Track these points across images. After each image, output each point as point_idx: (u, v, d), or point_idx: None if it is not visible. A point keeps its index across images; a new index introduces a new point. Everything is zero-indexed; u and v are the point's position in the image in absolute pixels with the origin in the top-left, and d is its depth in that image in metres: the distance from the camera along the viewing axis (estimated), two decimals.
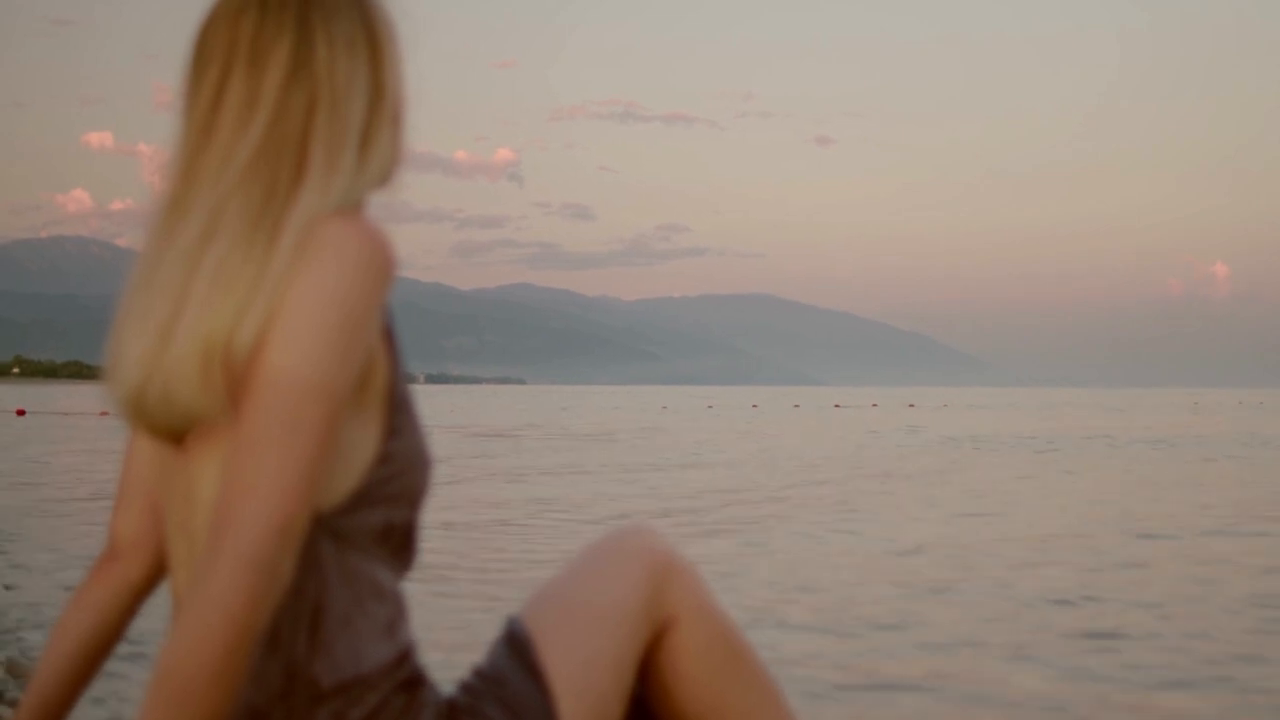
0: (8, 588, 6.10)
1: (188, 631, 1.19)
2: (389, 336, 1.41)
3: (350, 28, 1.41)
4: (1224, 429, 29.30)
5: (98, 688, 3.79)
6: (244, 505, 1.22)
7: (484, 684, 1.52)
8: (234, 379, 1.29)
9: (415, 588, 1.50)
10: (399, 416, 1.41)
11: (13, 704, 3.60)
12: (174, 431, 1.37)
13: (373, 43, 1.43)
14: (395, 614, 1.43)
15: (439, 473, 1.64)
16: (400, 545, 1.45)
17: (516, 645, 1.55)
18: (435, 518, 8.84)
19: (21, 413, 38.89)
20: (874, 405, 59.92)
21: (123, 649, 4.05)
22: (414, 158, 1.50)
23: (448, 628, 4.95)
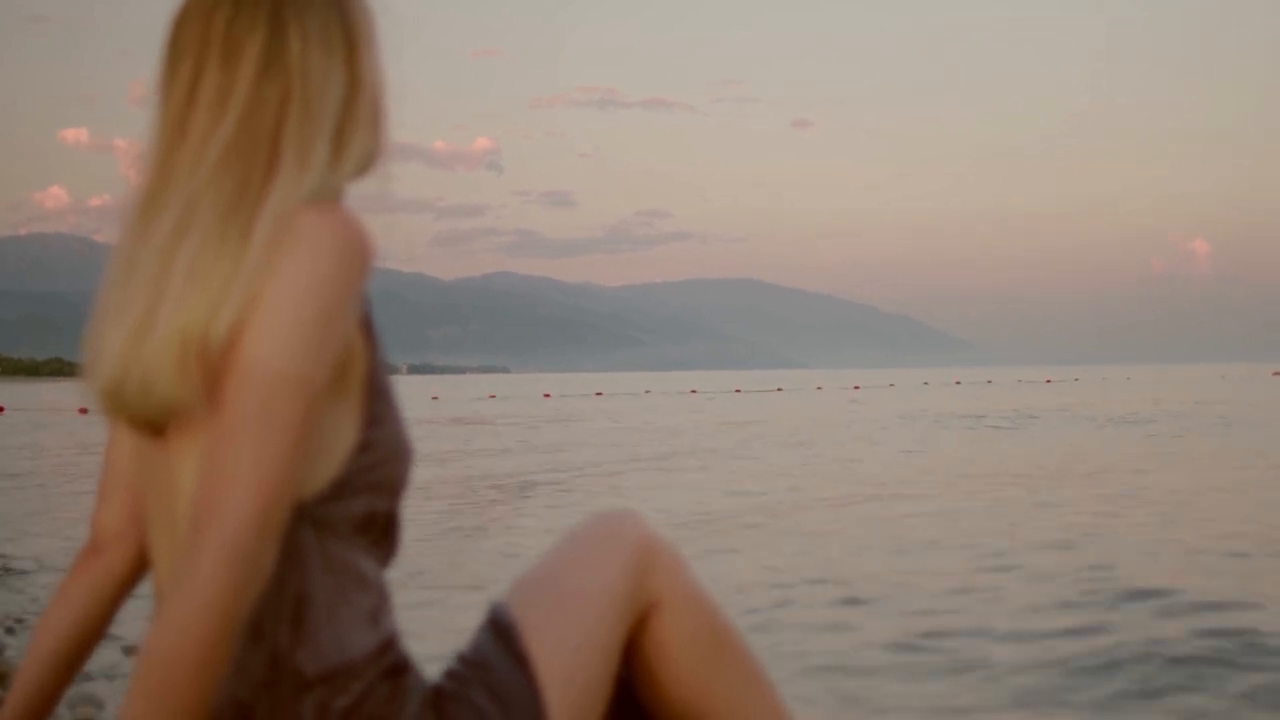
0: None
1: (170, 623, 1.20)
2: (368, 325, 1.41)
3: (325, 21, 1.41)
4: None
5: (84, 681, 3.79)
6: (223, 496, 1.22)
7: (469, 670, 1.52)
8: (211, 371, 1.30)
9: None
10: (379, 405, 1.41)
11: None
12: (153, 424, 1.38)
13: (348, 36, 1.43)
14: (378, 603, 1.43)
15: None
16: (382, 534, 1.45)
17: (501, 631, 1.55)
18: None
19: (0, 410, 38.79)
20: (856, 388, 60.03)
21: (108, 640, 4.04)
22: (392, 148, 1.50)
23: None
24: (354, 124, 1.42)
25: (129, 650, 4.45)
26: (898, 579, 5.77)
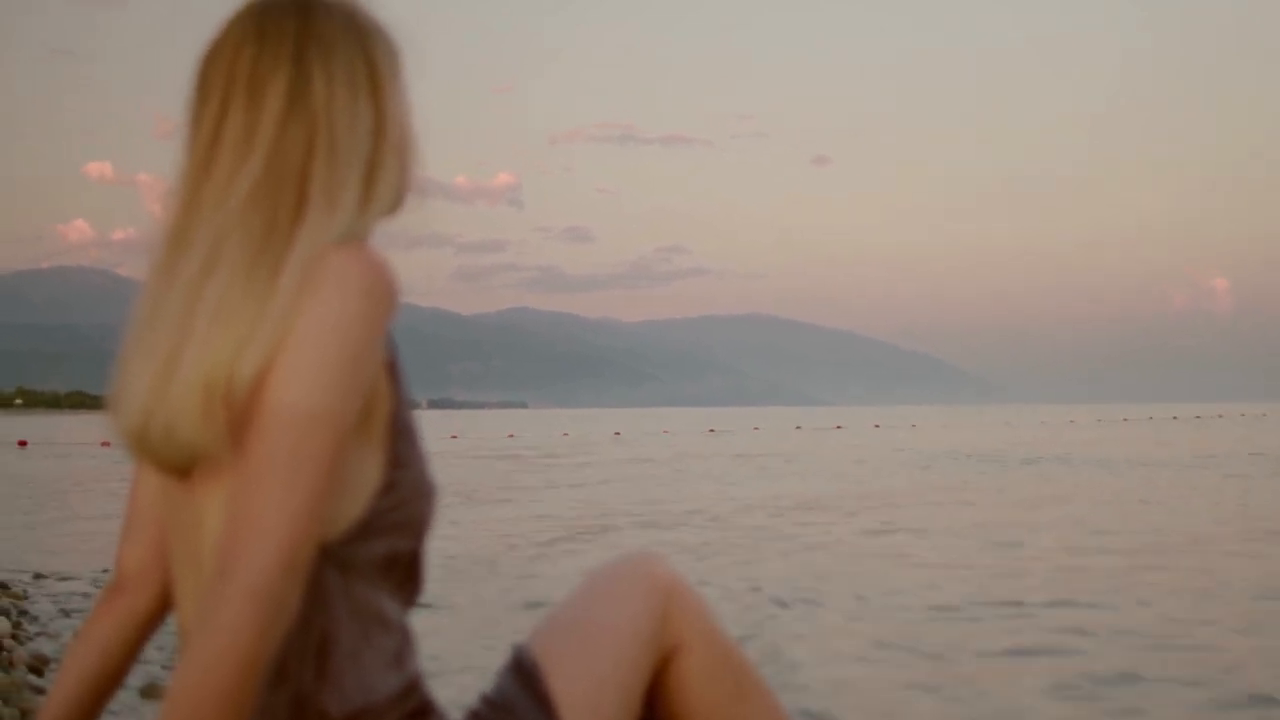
0: (16, 626, 6.09)
1: (195, 664, 1.19)
2: (392, 366, 1.41)
3: (349, 62, 1.41)
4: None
5: None
6: (250, 539, 1.22)
7: (492, 712, 1.52)
8: (236, 414, 1.29)
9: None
10: (403, 446, 1.41)
11: None
12: (178, 466, 1.38)
13: (373, 75, 1.42)
14: (402, 644, 1.43)
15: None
16: (405, 575, 1.45)
17: (524, 673, 1.55)
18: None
19: (24, 444, 38.95)
20: (876, 426, 59.87)
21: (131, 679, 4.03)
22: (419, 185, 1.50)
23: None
24: (382, 164, 1.42)
25: (144, 692, 4.44)
26: None
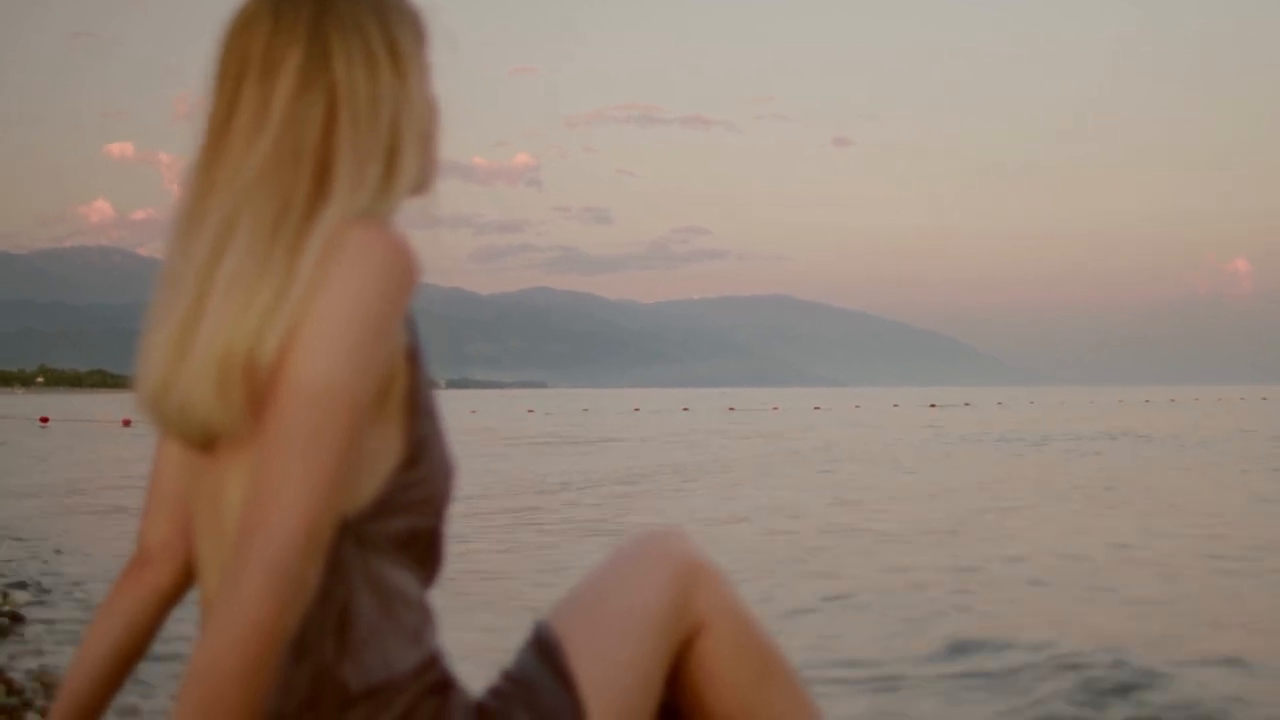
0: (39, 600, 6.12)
1: (217, 638, 1.20)
2: (413, 346, 1.41)
3: (370, 40, 1.40)
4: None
5: (128, 694, 3.80)
6: (269, 513, 1.22)
7: (513, 688, 1.52)
8: (255, 390, 1.30)
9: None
10: (423, 424, 1.41)
11: (43, 713, 3.61)
12: (198, 440, 1.38)
13: (395, 53, 1.41)
14: (421, 620, 1.43)
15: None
16: (425, 553, 1.45)
17: (545, 649, 1.55)
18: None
19: (45, 420, 39.27)
20: (895, 406, 59.74)
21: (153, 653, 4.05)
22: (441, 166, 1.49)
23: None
24: (405, 144, 1.41)
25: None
26: None
